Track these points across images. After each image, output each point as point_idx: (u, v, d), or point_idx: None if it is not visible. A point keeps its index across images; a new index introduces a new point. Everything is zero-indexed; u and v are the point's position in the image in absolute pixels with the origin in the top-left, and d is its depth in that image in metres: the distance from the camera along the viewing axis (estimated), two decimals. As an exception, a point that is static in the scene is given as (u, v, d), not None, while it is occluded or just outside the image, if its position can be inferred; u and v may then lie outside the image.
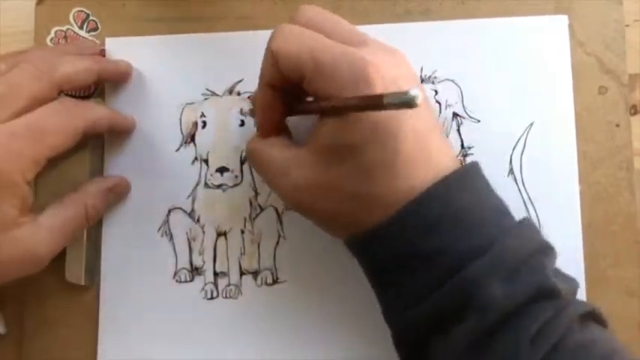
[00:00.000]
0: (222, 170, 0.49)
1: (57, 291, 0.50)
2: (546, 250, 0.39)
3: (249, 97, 0.50)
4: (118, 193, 0.49)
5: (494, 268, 0.36)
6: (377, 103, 0.34)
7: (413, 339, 0.39)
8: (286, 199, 0.42)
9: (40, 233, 0.44)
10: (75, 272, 0.49)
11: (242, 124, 0.50)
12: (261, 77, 0.43)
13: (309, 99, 0.44)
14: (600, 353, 0.37)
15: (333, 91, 0.38)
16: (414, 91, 0.32)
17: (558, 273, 0.40)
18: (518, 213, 0.47)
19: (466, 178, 0.39)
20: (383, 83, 0.37)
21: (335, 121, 0.38)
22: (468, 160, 0.48)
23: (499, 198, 0.41)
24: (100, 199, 0.48)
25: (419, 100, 0.32)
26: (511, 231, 0.38)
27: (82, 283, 0.49)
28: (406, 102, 0.32)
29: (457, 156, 0.48)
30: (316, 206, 0.40)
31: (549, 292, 0.37)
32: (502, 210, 0.40)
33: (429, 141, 0.39)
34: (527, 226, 0.40)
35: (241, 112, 0.50)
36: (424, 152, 0.38)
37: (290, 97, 0.43)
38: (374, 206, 0.38)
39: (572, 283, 0.40)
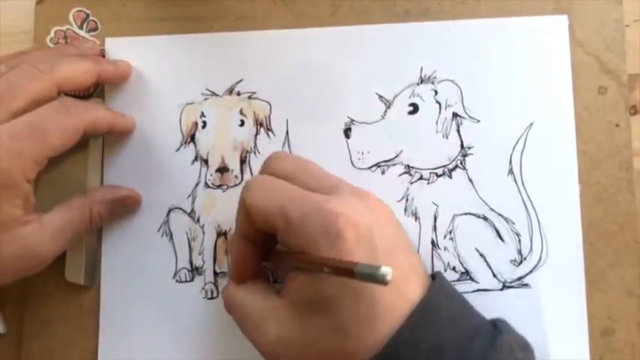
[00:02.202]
0: (222, 170, 0.49)
1: (57, 291, 0.50)
2: None
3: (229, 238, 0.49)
4: (128, 206, 0.49)
5: None
6: (347, 272, 0.34)
7: None
8: (262, 354, 0.40)
9: (44, 233, 0.44)
10: (75, 272, 0.49)
11: (242, 124, 0.50)
12: (237, 230, 0.43)
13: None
14: None
15: (305, 245, 0.38)
16: (385, 270, 0.32)
17: None
18: (518, 213, 0.47)
19: (431, 310, 0.38)
20: (356, 233, 0.37)
21: (307, 277, 0.38)
22: (469, 161, 0.48)
23: (466, 309, 0.40)
24: (106, 206, 0.48)
25: (389, 277, 0.32)
26: (488, 358, 0.37)
27: (82, 283, 0.49)
28: (376, 278, 0.33)
29: (455, 157, 0.48)
30: None
31: None
32: (473, 328, 0.39)
33: (404, 280, 0.38)
34: (505, 348, 0.38)
35: (241, 112, 0.50)
36: (400, 295, 0.38)
37: (266, 243, 0.43)
38: (350, 359, 0.37)
39: None
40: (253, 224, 0.41)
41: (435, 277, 0.41)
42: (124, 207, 0.49)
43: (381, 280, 0.33)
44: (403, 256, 0.40)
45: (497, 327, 0.39)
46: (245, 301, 0.42)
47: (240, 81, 0.50)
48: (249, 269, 0.44)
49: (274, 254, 0.44)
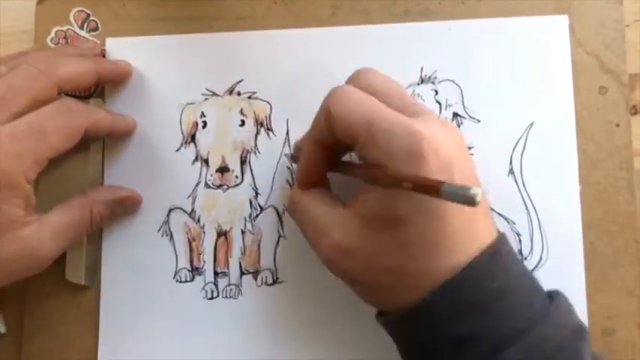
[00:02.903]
0: (222, 170, 0.49)
1: (57, 291, 0.50)
2: (581, 334, 0.38)
3: (295, 143, 0.49)
4: (128, 206, 0.49)
5: (528, 356, 0.36)
6: (432, 189, 0.33)
7: None
8: (324, 260, 0.41)
9: (45, 233, 0.44)
10: (75, 272, 0.49)
11: (242, 124, 0.50)
12: (312, 134, 0.42)
13: (353, 160, 0.44)
14: None
15: (385, 160, 0.37)
16: (475, 190, 0.31)
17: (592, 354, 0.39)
18: (518, 213, 0.47)
19: (499, 257, 0.38)
20: (437, 159, 0.36)
21: (381, 192, 0.38)
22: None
23: (529, 272, 0.40)
24: (106, 207, 0.48)
25: (479, 199, 0.31)
26: (546, 316, 0.37)
27: (83, 283, 0.49)
28: (465, 199, 0.32)
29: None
30: (353, 273, 0.40)
31: None
32: (535, 288, 0.39)
33: (474, 220, 0.38)
34: (561, 307, 0.39)
35: (241, 112, 0.50)
36: (467, 234, 0.37)
37: (335, 152, 0.43)
38: (409, 284, 0.37)
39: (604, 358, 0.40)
40: (331, 131, 0.40)
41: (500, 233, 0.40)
42: (125, 207, 0.49)
43: (471, 200, 0.32)
44: None
45: (554, 292, 0.40)
46: (310, 206, 0.42)
47: (240, 81, 0.50)
48: (318, 175, 0.43)
49: (342, 165, 0.44)
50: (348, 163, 0.44)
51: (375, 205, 0.38)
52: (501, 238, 0.39)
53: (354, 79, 0.42)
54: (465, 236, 0.37)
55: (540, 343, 0.36)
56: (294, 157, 0.49)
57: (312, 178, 0.43)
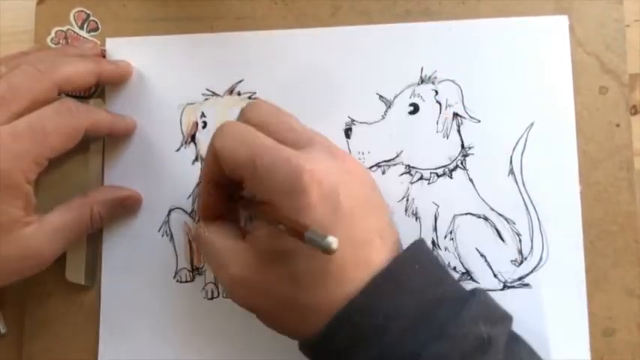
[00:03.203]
0: (222, 170, 0.49)
1: (57, 291, 0.50)
2: (484, 346, 0.37)
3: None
4: (128, 206, 0.49)
5: None
6: (299, 233, 0.35)
7: None
8: (226, 291, 0.42)
9: (45, 233, 0.44)
10: (75, 272, 0.49)
11: (242, 124, 0.50)
12: (205, 172, 0.43)
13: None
14: None
15: (269, 197, 0.38)
16: (330, 239, 0.33)
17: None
18: (518, 213, 0.47)
19: (391, 280, 0.38)
20: (320, 190, 0.37)
21: (269, 227, 0.39)
22: (469, 161, 0.48)
23: (440, 279, 0.40)
24: (106, 207, 0.48)
25: (334, 246, 0.33)
26: (445, 331, 0.36)
27: (83, 283, 0.49)
28: (321, 246, 0.34)
29: (456, 157, 0.48)
30: (251, 304, 0.41)
31: None
32: (440, 298, 0.38)
33: (366, 243, 0.38)
34: (468, 318, 0.37)
35: (242, 112, 0.50)
36: (356, 263, 0.38)
37: (232, 187, 0.43)
38: (305, 315, 0.38)
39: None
40: (221, 170, 0.41)
41: (413, 244, 0.40)
42: (125, 207, 0.49)
43: (326, 249, 0.34)
44: (369, 218, 0.39)
45: (470, 299, 0.39)
46: (213, 240, 0.42)
47: (240, 81, 0.50)
48: (216, 210, 0.44)
49: (240, 198, 0.45)
50: (245, 198, 0.45)
51: (265, 240, 0.39)
52: (400, 257, 0.39)
53: (242, 114, 0.43)
54: (355, 265, 0.38)
55: None
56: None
57: (212, 214, 0.44)
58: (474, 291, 0.40)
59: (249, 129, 0.40)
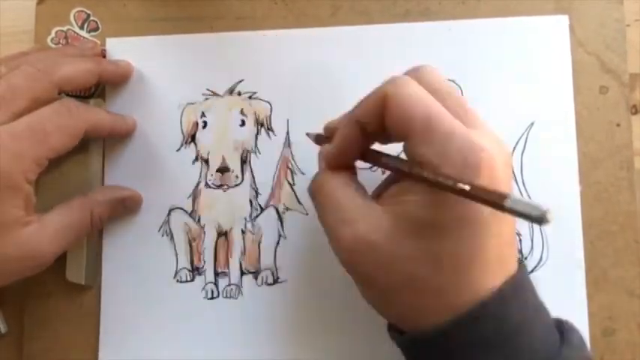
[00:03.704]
0: (222, 170, 0.49)
1: (58, 290, 0.50)
2: None
3: (326, 124, 0.44)
4: (129, 206, 0.49)
5: None
6: (495, 200, 0.31)
7: None
8: (341, 253, 0.37)
9: (45, 234, 0.44)
10: (76, 272, 0.49)
11: (243, 124, 0.50)
12: (357, 113, 0.39)
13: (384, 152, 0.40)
14: None
15: (437, 162, 0.34)
16: (547, 211, 0.29)
17: None
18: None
19: (520, 289, 0.36)
20: (490, 174, 0.34)
21: (425, 194, 0.35)
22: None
23: (543, 304, 0.38)
24: (107, 208, 0.48)
25: (550, 220, 0.29)
26: (559, 355, 0.35)
27: (83, 283, 0.49)
28: (534, 217, 0.30)
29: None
30: (371, 274, 0.37)
31: None
32: (548, 322, 0.37)
33: (505, 247, 0.36)
34: (573, 343, 0.36)
35: (242, 112, 0.50)
36: (498, 260, 0.35)
37: (372, 139, 0.40)
38: (428, 302, 0.35)
39: None
40: (380, 117, 0.37)
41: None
42: (125, 208, 0.49)
43: (542, 220, 0.29)
44: (513, 224, 0.37)
45: (567, 321, 0.38)
46: (337, 190, 0.39)
47: (240, 81, 0.50)
48: (351, 157, 0.40)
49: (373, 154, 0.40)
50: (383, 154, 0.40)
51: (415, 207, 0.35)
52: (522, 268, 0.37)
53: (416, 74, 0.39)
54: (497, 263, 0.35)
55: None
56: (319, 139, 0.45)
57: (344, 160, 0.40)
58: (560, 319, 0.39)
59: (424, 90, 0.37)
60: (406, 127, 0.36)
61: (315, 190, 0.40)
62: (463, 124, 0.36)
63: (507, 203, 0.30)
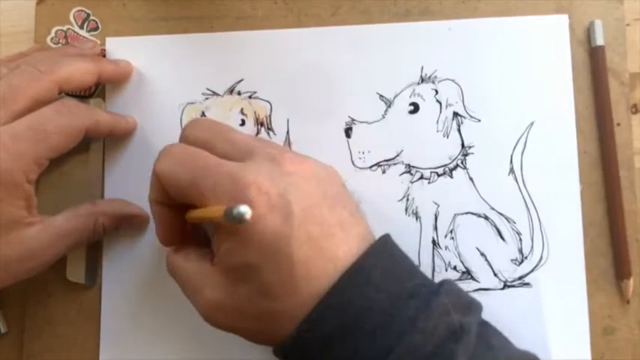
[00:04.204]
0: (222, 170, 0.49)
1: (58, 290, 0.50)
2: (456, 334, 0.37)
3: None
4: (135, 225, 0.49)
5: None
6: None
7: None
8: (203, 317, 0.41)
9: (47, 236, 0.44)
10: (76, 271, 0.49)
11: (243, 123, 0.50)
12: (150, 193, 0.43)
13: None
14: None
15: (213, 204, 0.38)
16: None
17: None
18: (519, 212, 0.47)
19: (362, 273, 0.38)
20: (267, 201, 0.37)
21: (229, 242, 0.38)
22: (469, 160, 0.48)
23: (408, 273, 0.40)
24: (112, 220, 0.47)
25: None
26: (416, 323, 0.36)
27: (83, 283, 0.49)
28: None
29: (456, 157, 0.48)
30: (229, 325, 0.40)
31: None
32: (409, 292, 0.38)
33: (327, 237, 0.38)
34: (438, 309, 0.37)
35: (242, 111, 0.50)
36: (320, 260, 0.38)
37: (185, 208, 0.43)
38: (282, 321, 0.38)
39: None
40: (167, 193, 0.41)
41: (381, 238, 0.40)
42: (131, 225, 0.49)
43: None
44: (327, 211, 0.39)
45: (439, 289, 0.39)
46: (183, 266, 0.42)
47: (240, 81, 0.50)
48: (175, 232, 0.44)
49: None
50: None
51: (229, 256, 0.39)
52: (366, 252, 0.39)
53: (181, 134, 0.43)
54: (320, 263, 0.37)
55: (409, 355, 0.36)
56: None
57: (172, 236, 0.44)
58: (443, 282, 0.40)
59: (188, 149, 0.41)
60: (181, 195, 0.40)
61: (168, 271, 0.44)
62: (235, 160, 0.39)
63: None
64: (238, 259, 0.38)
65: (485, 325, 0.40)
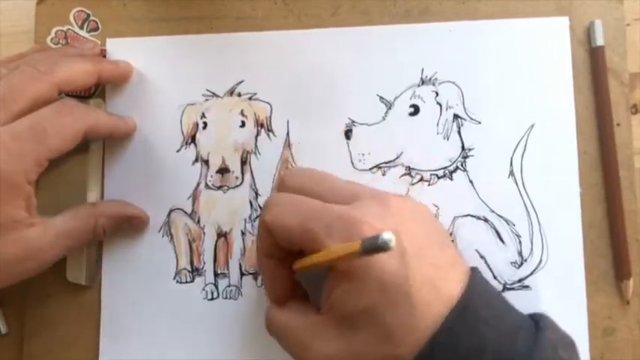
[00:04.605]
0: (222, 171, 0.49)
1: (58, 291, 0.50)
2: None
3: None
4: (135, 225, 0.49)
5: None
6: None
7: None
8: None
9: (47, 237, 0.44)
10: (76, 272, 0.49)
11: (243, 125, 0.50)
12: (259, 248, 0.43)
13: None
14: None
15: (327, 248, 0.38)
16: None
17: None
18: (519, 215, 0.47)
19: (468, 309, 0.37)
20: None
21: (345, 285, 0.38)
22: (469, 162, 0.48)
23: (507, 307, 0.39)
24: (112, 221, 0.48)
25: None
26: (531, 356, 0.36)
27: (83, 283, 0.49)
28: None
29: (456, 159, 0.48)
30: None
31: None
32: (515, 325, 0.38)
33: (441, 277, 0.38)
34: (545, 342, 0.37)
35: (242, 113, 0.50)
36: (440, 296, 0.37)
37: (290, 260, 0.42)
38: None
39: None
40: (276, 242, 0.40)
41: (472, 270, 0.40)
42: (131, 225, 0.49)
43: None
44: (437, 251, 0.39)
45: (539, 323, 0.39)
46: (288, 322, 0.41)
47: (240, 82, 0.50)
48: (284, 287, 0.43)
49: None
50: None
51: (342, 301, 0.38)
52: (471, 283, 0.38)
53: (282, 184, 0.42)
54: (437, 305, 0.37)
55: None
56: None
57: (281, 291, 0.43)
58: (540, 316, 0.40)
59: (294, 196, 0.40)
60: (294, 242, 0.39)
61: (269, 328, 0.43)
62: (341, 204, 0.39)
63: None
64: (355, 303, 0.37)
65: None
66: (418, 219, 0.40)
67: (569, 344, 0.39)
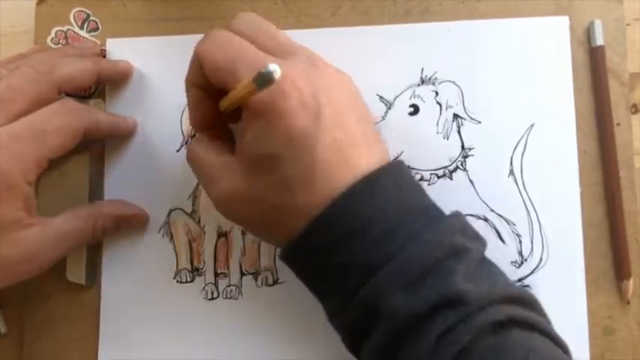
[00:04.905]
0: (222, 171, 0.49)
1: (58, 290, 0.50)
2: (459, 254, 0.37)
3: None
4: (134, 225, 0.49)
5: (396, 278, 0.36)
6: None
7: (348, 344, 0.40)
8: (216, 207, 0.42)
9: (47, 238, 0.44)
10: (76, 272, 0.49)
11: (242, 124, 0.50)
12: (187, 76, 0.43)
13: None
14: (513, 356, 0.35)
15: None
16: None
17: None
18: (519, 214, 0.47)
19: (374, 185, 0.38)
20: (299, 97, 0.38)
21: (255, 127, 0.39)
22: (469, 162, 0.48)
23: (419, 195, 0.40)
24: (111, 221, 0.48)
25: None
26: (421, 236, 0.37)
27: (83, 283, 0.49)
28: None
29: (456, 159, 0.48)
30: (242, 215, 0.41)
31: (455, 299, 0.36)
32: (419, 209, 0.39)
33: (350, 145, 0.39)
34: (444, 227, 0.38)
35: (241, 112, 0.50)
36: (339, 163, 0.38)
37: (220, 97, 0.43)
38: (294, 217, 0.38)
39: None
40: (204, 75, 0.41)
41: (398, 161, 0.41)
42: (130, 225, 0.49)
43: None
44: (354, 121, 0.40)
45: (449, 214, 0.40)
46: (203, 156, 0.43)
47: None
48: (206, 117, 0.44)
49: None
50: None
51: (251, 146, 0.39)
52: (387, 167, 0.39)
53: (230, 24, 0.42)
54: (341, 167, 0.38)
55: (409, 264, 0.36)
56: None
57: (203, 122, 0.44)
58: (454, 211, 0.40)
59: (232, 36, 0.41)
60: (219, 78, 0.40)
61: (187, 158, 0.44)
62: (276, 56, 0.40)
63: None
64: (262, 147, 0.38)
65: (487, 259, 0.40)
66: (345, 90, 0.41)
67: (474, 236, 0.40)
